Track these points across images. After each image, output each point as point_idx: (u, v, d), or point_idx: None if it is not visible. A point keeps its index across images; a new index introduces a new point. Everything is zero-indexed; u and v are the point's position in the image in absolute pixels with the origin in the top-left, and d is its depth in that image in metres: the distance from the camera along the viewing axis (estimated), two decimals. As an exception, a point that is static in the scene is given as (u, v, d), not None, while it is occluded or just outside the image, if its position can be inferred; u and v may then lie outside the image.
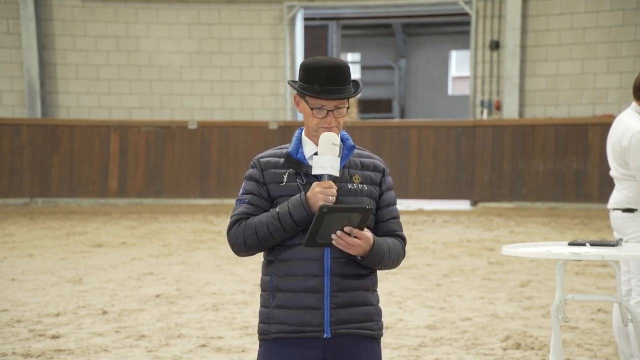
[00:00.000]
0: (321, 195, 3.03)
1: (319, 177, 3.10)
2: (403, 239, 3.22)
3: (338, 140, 3.10)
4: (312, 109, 3.13)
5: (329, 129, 3.11)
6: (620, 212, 5.26)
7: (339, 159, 3.09)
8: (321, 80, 3.09)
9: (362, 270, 3.14)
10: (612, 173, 5.36)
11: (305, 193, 3.07)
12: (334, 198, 3.05)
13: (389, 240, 3.15)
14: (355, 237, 3.01)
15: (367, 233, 3.05)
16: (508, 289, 8.38)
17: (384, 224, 3.19)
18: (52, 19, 17.35)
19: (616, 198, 5.30)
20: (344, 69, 3.11)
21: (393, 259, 3.15)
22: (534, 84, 16.63)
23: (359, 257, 3.09)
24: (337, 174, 3.08)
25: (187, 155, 16.58)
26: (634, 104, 5.29)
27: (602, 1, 16.13)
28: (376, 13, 21.69)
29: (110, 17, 17.43)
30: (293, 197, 3.08)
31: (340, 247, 3.03)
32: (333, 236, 3.01)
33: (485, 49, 16.99)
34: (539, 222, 13.73)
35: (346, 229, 3.00)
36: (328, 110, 3.12)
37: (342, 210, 2.97)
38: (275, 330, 3.12)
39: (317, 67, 3.10)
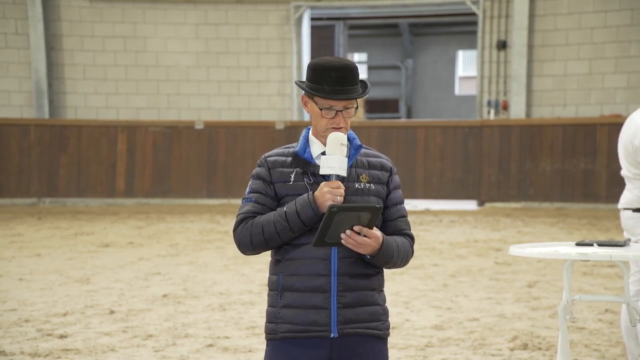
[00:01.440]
0: (329, 195, 3.03)
1: (326, 177, 3.09)
2: (411, 238, 3.22)
3: (346, 140, 3.10)
4: (321, 109, 3.12)
5: (337, 129, 3.11)
6: (630, 212, 5.24)
7: (346, 159, 3.09)
8: (331, 81, 3.09)
9: (368, 270, 3.14)
10: (623, 173, 5.34)
11: (313, 193, 3.06)
12: (342, 198, 3.05)
13: (398, 239, 3.15)
14: (364, 236, 3.01)
15: (377, 232, 3.05)
16: (515, 289, 8.36)
17: (392, 222, 3.18)
18: (60, 20, 17.38)
19: (627, 198, 5.28)
20: (353, 69, 3.11)
21: (402, 258, 3.15)
22: (541, 84, 16.59)
23: (368, 256, 3.09)
24: (344, 173, 3.08)
25: (195, 155, 16.60)
26: (644, 103, 5.29)
27: (610, 1, 16.08)
28: (383, 13, 21.68)
29: (117, 17, 17.45)
30: (301, 197, 3.08)
31: (350, 246, 3.02)
32: (342, 235, 3.00)
33: (493, 49, 16.96)
34: (546, 223, 13.70)
35: (356, 228, 3.00)
36: (337, 111, 3.12)
37: (351, 209, 2.96)
38: (282, 329, 3.12)
39: (326, 67, 3.10)
